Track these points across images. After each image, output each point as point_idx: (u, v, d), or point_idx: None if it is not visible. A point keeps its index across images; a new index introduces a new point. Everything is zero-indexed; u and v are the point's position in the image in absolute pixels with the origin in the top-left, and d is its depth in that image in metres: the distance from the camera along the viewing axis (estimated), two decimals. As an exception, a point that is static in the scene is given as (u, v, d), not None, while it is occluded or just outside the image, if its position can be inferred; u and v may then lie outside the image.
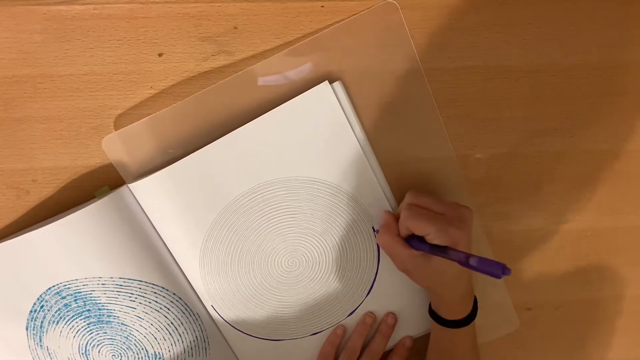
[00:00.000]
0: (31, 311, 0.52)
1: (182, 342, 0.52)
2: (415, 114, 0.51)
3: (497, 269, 0.37)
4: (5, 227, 0.53)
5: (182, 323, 0.52)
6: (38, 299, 0.51)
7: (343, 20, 0.48)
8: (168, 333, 0.52)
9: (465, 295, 0.50)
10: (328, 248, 0.52)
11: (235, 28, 0.47)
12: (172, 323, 0.52)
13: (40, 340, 0.53)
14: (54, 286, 0.50)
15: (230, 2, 0.47)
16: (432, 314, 0.52)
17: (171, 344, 0.52)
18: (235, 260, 0.52)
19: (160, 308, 0.51)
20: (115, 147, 0.49)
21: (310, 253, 0.52)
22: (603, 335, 0.60)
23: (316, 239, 0.52)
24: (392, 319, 0.55)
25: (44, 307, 0.52)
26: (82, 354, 0.53)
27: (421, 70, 0.50)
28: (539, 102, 0.52)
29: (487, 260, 0.39)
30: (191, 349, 0.53)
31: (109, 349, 0.53)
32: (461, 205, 0.48)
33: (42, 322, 0.52)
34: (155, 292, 0.50)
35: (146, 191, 0.49)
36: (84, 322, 0.52)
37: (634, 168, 0.55)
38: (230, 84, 0.48)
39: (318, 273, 0.53)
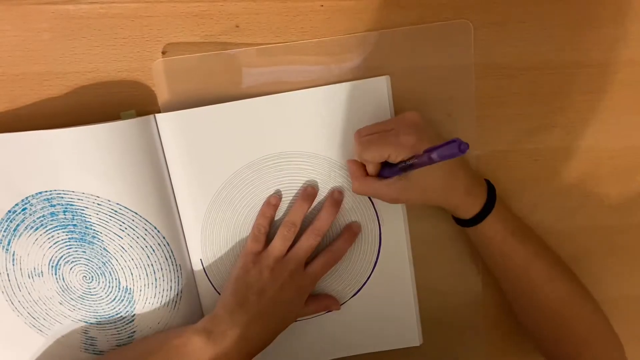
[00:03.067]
0: (10, 211, 0.49)
1: (156, 286, 0.51)
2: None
3: (454, 149, 0.35)
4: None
5: (161, 268, 0.50)
6: (23, 200, 0.49)
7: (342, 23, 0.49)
8: (145, 273, 0.50)
9: (470, 188, 0.47)
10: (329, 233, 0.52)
11: (237, 27, 0.49)
12: (152, 265, 0.50)
13: (8, 244, 0.51)
14: (46, 192, 0.48)
15: (232, 1, 0.48)
16: (456, 220, 0.50)
17: (145, 285, 0.51)
18: (240, 220, 0.51)
19: (146, 246, 0.49)
20: (161, 73, 0.49)
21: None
22: None
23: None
24: (339, 193, 0.50)
25: (27, 210, 0.49)
26: (52, 267, 0.51)
27: (473, 92, 0.51)
28: (535, 99, 0.52)
29: (442, 146, 0.36)
30: (162, 296, 0.51)
31: (82, 269, 0.51)
32: (405, 113, 0.46)
33: (18, 225, 0.50)
34: (146, 229, 0.49)
35: (172, 125, 0.48)
36: (66, 235, 0.49)
37: (632, 165, 0.55)
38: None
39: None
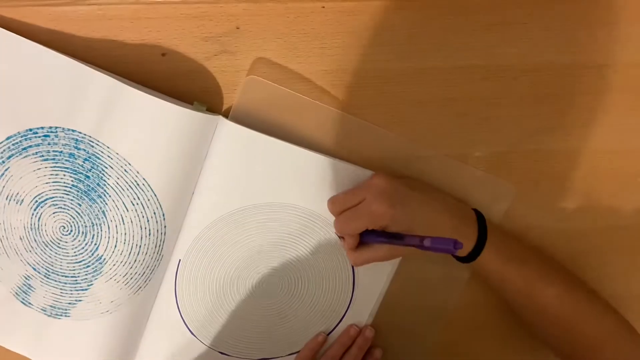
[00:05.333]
0: (30, 130, 0.47)
1: (131, 267, 0.50)
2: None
3: (449, 245, 0.38)
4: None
5: (146, 253, 0.50)
6: (51, 128, 0.47)
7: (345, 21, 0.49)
8: (129, 252, 0.49)
9: (458, 228, 0.48)
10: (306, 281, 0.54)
11: (238, 28, 0.48)
12: (140, 247, 0.49)
13: (9, 158, 0.48)
14: (80, 133, 0.47)
15: (232, 2, 0.47)
16: (454, 257, 0.50)
17: (121, 262, 0.49)
18: (232, 249, 0.52)
19: (145, 228, 0.49)
20: (253, 89, 0.50)
21: (290, 282, 0.53)
22: None
23: (295, 268, 0.53)
24: (370, 332, 0.55)
25: (48, 138, 0.47)
26: (36, 201, 0.49)
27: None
28: (536, 100, 0.53)
29: (439, 239, 0.40)
30: (131, 278, 0.50)
31: (65, 219, 0.49)
32: (372, 180, 0.48)
33: (30, 147, 0.48)
34: (154, 213, 0.49)
35: (230, 135, 0.48)
36: (72, 181, 0.48)
37: (632, 166, 0.56)
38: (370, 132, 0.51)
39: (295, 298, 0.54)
